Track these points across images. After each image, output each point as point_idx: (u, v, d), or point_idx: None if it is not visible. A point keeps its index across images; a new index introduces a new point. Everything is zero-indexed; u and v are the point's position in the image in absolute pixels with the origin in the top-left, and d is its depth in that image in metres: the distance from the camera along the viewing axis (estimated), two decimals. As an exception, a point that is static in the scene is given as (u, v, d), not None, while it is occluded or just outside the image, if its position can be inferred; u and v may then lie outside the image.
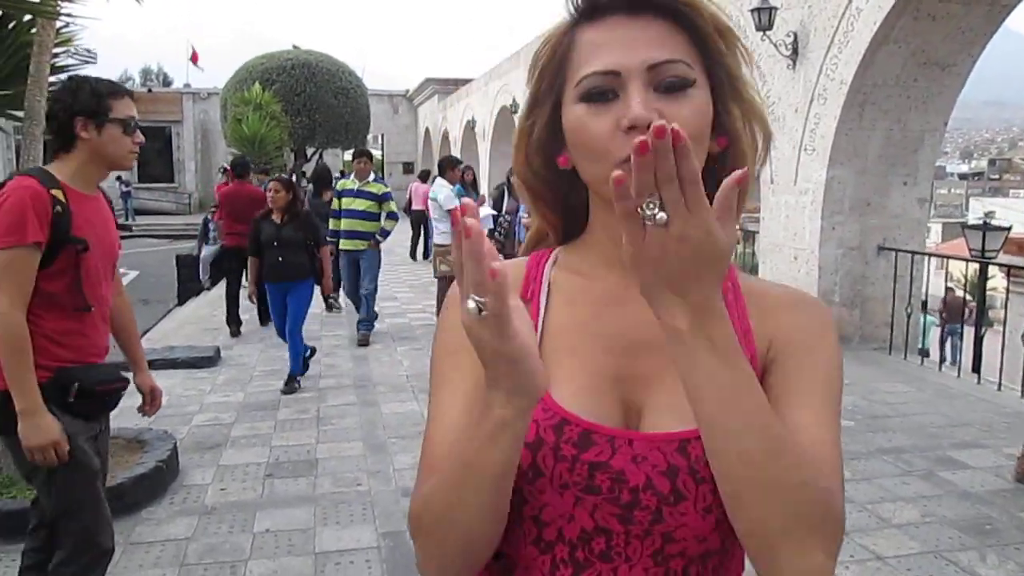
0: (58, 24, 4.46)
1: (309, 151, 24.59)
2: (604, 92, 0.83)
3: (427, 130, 31.69)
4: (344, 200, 8.20)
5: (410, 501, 0.85)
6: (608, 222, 0.89)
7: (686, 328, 0.72)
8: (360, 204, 8.09)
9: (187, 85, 35.93)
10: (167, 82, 53.69)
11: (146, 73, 64.30)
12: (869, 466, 4.63)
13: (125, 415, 5.50)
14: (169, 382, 5.91)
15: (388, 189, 8.38)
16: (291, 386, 6.45)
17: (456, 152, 23.02)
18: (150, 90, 37.58)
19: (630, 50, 0.83)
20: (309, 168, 19.53)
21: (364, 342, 8.22)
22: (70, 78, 2.73)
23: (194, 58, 33.88)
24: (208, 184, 30.12)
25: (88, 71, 5.87)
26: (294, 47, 26.39)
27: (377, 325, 8.69)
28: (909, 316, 7.30)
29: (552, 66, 0.89)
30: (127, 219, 28.18)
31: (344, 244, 8.22)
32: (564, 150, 0.90)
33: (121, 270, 4.16)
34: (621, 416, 0.86)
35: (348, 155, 32.72)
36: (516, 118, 0.85)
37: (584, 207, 0.95)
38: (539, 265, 0.98)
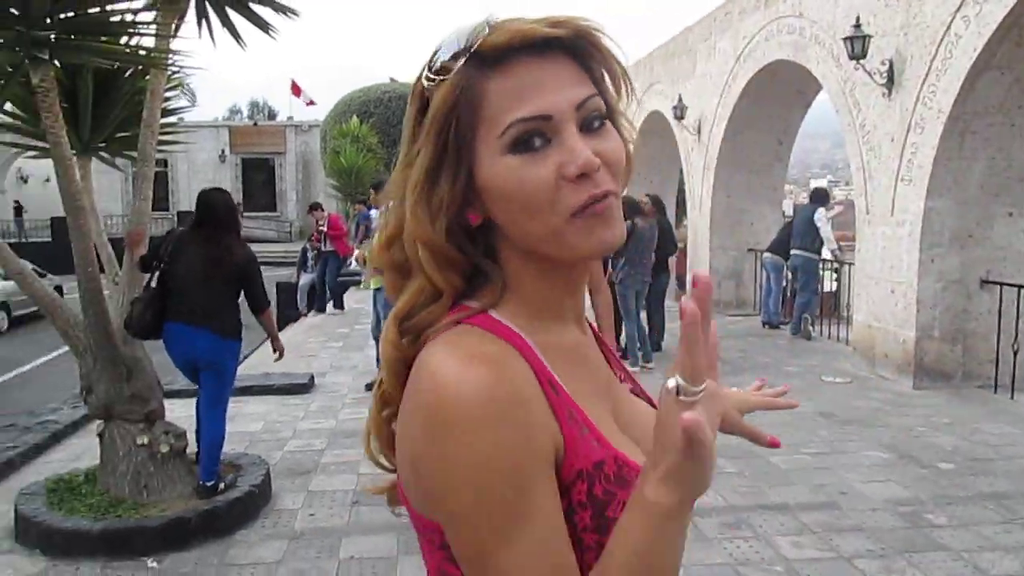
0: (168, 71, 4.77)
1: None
2: (533, 139, 0.78)
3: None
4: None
5: None
6: (540, 273, 0.85)
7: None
8: None
9: (290, 118, 37.31)
10: (272, 115, 55.94)
11: (254, 106, 67.23)
12: (968, 512, 4.42)
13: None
14: (264, 408, 6.15)
15: None
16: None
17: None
18: (255, 123, 39.22)
19: (555, 91, 0.78)
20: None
21: None
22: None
23: (309, 102, 35.07)
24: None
25: (197, 109, 6.23)
26: (391, 80, 27.19)
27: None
28: (1016, 353, 6.95)
29: (453, 121, 0.80)
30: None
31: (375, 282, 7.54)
32: (473, 207, 0.82)
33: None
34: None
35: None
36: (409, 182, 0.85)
37: (484, 262, 0.86)
38: (511, 334, 0.83)
